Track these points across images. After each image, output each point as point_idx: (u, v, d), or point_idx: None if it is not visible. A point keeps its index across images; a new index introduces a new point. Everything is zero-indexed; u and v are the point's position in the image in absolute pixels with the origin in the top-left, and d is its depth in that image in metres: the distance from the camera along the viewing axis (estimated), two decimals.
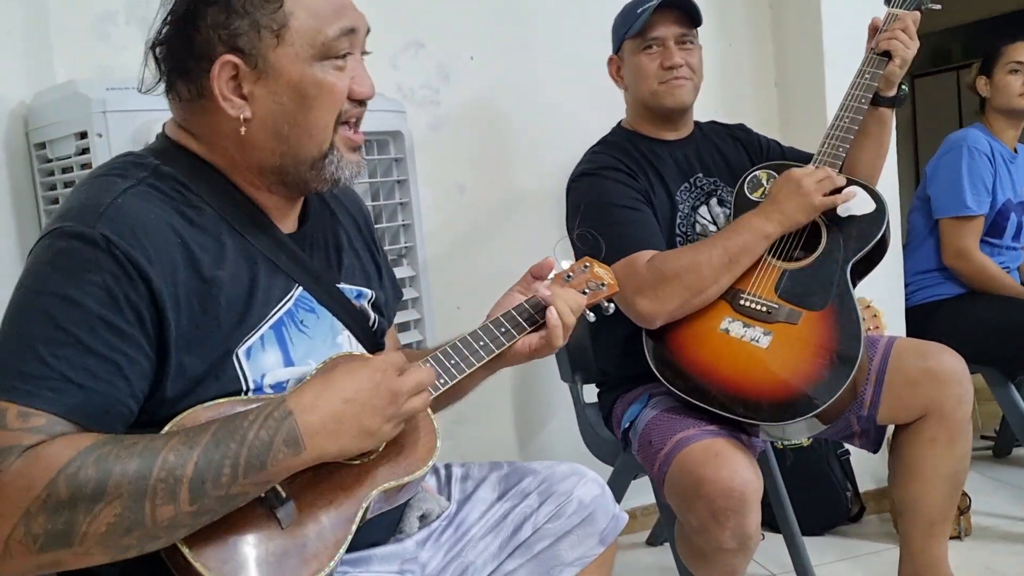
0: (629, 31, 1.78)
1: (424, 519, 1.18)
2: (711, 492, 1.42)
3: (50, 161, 1.65)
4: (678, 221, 1.79)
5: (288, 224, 1.10)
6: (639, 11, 1.77)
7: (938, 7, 1.76)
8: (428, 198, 2.13)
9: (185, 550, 0.87)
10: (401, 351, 1.34)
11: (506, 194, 2.33)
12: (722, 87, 2.48)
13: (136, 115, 1.52)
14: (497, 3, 2.29)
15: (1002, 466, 2.81)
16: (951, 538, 2.22)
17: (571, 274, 1.28)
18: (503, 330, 1.17)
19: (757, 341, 1.59)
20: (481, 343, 1.14)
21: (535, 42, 2.33)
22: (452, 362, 1.11)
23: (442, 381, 1.09)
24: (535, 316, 1.19)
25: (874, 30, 1.76)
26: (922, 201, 2.54)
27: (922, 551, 1.73)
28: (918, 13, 1.73)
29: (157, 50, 1.02)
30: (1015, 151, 2.56)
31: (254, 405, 0.92)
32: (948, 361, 1.67)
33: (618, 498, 1.86)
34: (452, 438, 2.31)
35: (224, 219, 1.01)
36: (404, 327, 1.87)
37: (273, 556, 0.91)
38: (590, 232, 1.57)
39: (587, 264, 1.30)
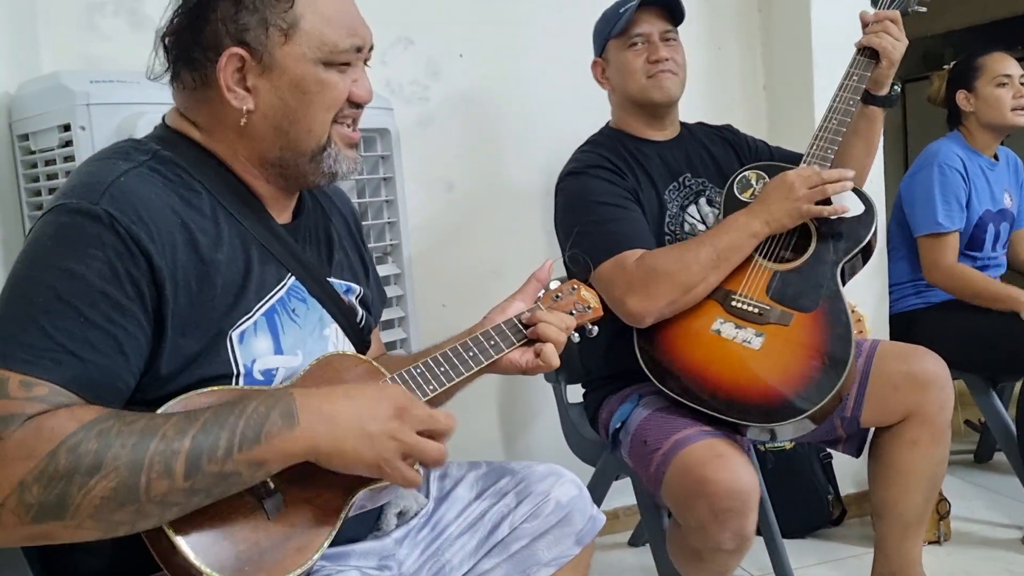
0: (614, 30, 1.79)
1: (402, 516, 1.19)
2: (715, 492, 1.43)
3: (33, 153, 1.63)
4: (667, 220, 1.79)
5: (283, 215, 1.13)
6: (622, 10, 1.79)
7: (923, 9, 1.76)
8: (415, 194, 2.12)
9: (171, 533, 0.88)
10: (386, 355, 1.36)
11: (493, 191, 2.33)
12: (711, 90, 2.48)
13: (120, 108, 1.51)
14: (487, 1, 2.28)
15: (983, 472, 2.82)
16: (931, 543, 2.25)
17: (559, 295, 1.30)
18: (492, 343, 1.20)
19: (749, 342, 1.59)
20: (471, 354, 1.17)
21: (523, 41, 2.32)
22: (442, 370, 1.13)
23: (431, 388, 1.11)
24: (524, 332, 1.23)
25: (864, 25, 1.75)
26: (899, 211, 2.54)
27: (897, 552, 1.75)
28: (897, 13, 1.73)
29: (167, 40, 1.04)
30: (995, 158, 2.55)
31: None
32: (930, 365, 1.68)
33: (600, 499, 1.87)
34: None
35: (221, 204, 1.03)
36: (388, 324, 1.87)
37: (259, 546, 0.92)
38: (581, 255, 1.57)
39: (575, 287, 1.32)
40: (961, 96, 2.51)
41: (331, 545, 1.04)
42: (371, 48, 1.10)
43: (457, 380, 1.14)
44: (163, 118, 1.10)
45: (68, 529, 0.83)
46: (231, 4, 1.00)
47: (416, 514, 1.20)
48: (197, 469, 0.85)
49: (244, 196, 1.06)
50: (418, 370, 1.10)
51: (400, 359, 1.26)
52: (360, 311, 1.20)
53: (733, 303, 1.63)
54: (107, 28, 1.88)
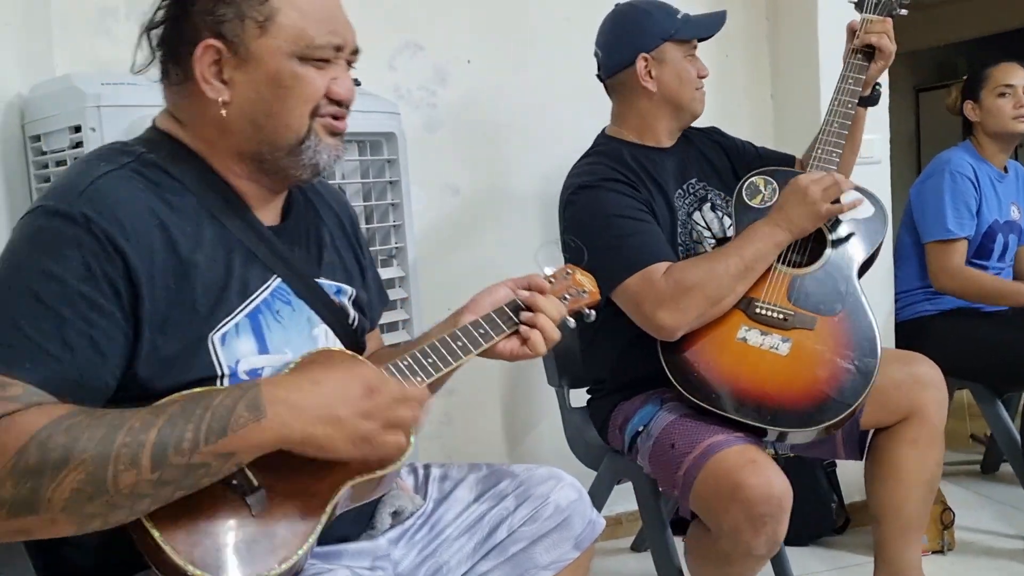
0: (679, 32, 1.79)
1: (397, 516, 1.19)
2: (751, 497, 1.44)
3: (45, 154, 1.65)
4: (678, 229, 1.80)
5: (270, 216, 1.13)
6: (680, 16, 1.80)
7: (904, 12, 1.78)
8: (421, 199, 2.14)
9: (155, 533, 0.88)
10: (380, 349, 1.35)
11: (498, 197, 2.34)
12: (718, 98, 2.47)
13: (130, 110, 1.52)
14: (496, 9, 2.31)
15: (988, 482, 2.82)
16: (934, 552, 2.24)
17: (552, 280, 1.28)
18: (481, 331, 1.18)
19: (776, 348, 1.61)
20: (459, 343, 1.15)
21: (531, 48, 2.34)
22: (429, 360, 1.12)
23: (419, 379, 1.09)
24: (514, 319, 1.20)
25: (852, 32, 1.79)
26: (909, 218, 2.55)
27: (898, 557, 1.75)
28: (890, 20, 1.76)
29: (151, 33, 1.06)
30: (1005, 170, 2.57)
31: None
32: (929, 368, 1.73)
33: (600, 503, 1.88)
34: (440, 438, 2.32)
35: (204, 206, 1.04)
36: (392, 327, 1.88)
37: (242, 543, 0.92)
38: (573, 240, 1.58)
39: (569, 271, 1.30)
40: (968, 106, 2.54)
41: (322, 543, 1.04)
42: (355, 51, 1.10)
43: (445, 370, 1.12)
44: (153, 120, 1.11)
45: (43, 523, 0.84)
46: None
47: (412, 514, 1.20)
48: (164, 461, 0.85)
49: (228, 197, 1.07)
50: (405, 362, 1.09)
51: (392, 351, 1.26)
52: (352, 312, 1.19)
53: (757, 310, 1.65)
54: (119, 32, 1.90)
